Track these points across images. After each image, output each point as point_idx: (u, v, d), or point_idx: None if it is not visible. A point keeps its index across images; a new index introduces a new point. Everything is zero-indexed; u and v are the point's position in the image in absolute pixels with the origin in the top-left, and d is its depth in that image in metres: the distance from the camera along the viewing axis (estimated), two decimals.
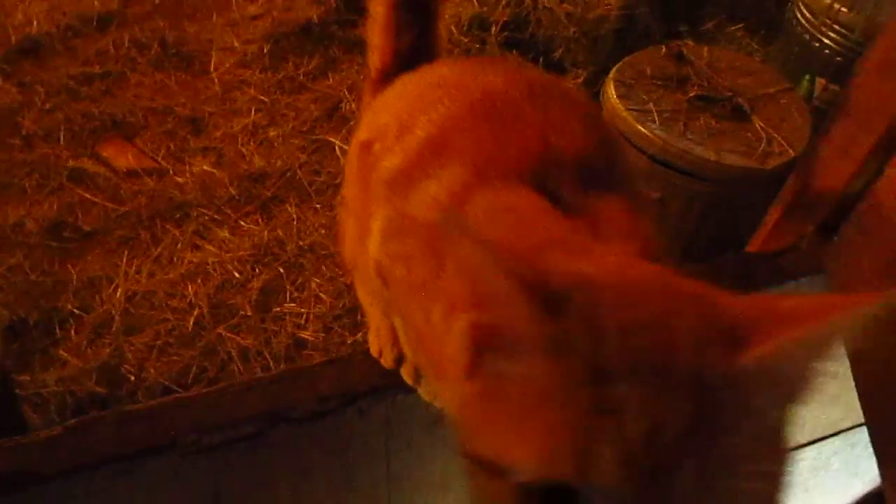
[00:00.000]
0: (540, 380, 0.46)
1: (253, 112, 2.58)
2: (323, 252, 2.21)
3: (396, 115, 0.77)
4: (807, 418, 1.25)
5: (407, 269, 0.64)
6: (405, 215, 0.66)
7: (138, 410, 0.62)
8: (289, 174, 2.41)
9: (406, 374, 0.76)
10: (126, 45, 2.76)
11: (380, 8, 0.93)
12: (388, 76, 0.93)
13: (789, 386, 0.48)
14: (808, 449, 1.28)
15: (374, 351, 0.78)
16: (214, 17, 2.90)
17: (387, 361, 0.76)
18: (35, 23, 2.81)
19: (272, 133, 2.52)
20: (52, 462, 0.60)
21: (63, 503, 0.61)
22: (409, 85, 0.85)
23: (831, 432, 1.25)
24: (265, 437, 0.65)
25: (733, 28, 2.54)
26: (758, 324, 0.46)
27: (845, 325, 0.45)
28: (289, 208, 2.32)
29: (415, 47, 0.94)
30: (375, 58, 0.95)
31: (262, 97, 2.62)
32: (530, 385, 0.47)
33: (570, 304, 0.46)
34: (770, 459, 0.48)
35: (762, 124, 1.76)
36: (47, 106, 2.56)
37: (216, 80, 2.68)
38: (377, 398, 0.68)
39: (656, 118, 1.72)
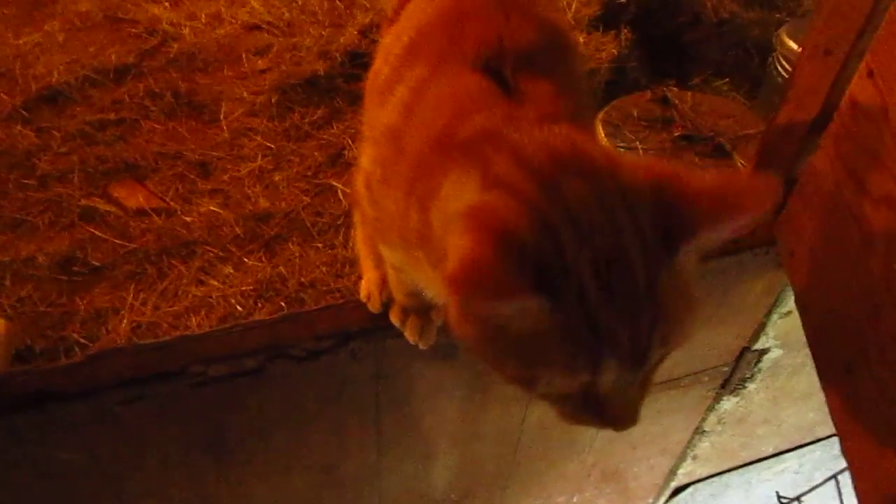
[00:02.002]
0: (548, 328, 0.57)
1: (260, 157, 2.68)
2: (324, 288, 2.27)
3: (394, 34, 0.87)
4: (781, 420, 1.29)
5: (383, 169, 0.73)
6: (380, 121, 0.75)
7: (152, 343, 0.68)
8: (292, 215, 2.49)
9: (393, 317, 0.82)
10: (141, 94, 2.88)
11: None
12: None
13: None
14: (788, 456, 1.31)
15: (363, 295, 0.85)
16: (226, 70, 3.04)
17: (374, 305, 0.82)
18: (55, 74, 2.94)
19: (277, 177, 2.62)
20: (72, 384, 0.66)
21: (81, 419, 0.66)
22: (410, 5, 0.94)
23: (811, 439, 1.29)
24: (266, 373, 0.71)
25: (719, 83, 2.66)
26: (693, 209, 0.56)
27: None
28: (291, 247, 2.39)
29: None
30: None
31: (268, 144, 2.73)
32: (538, 328, 0.57)
33: (547, 279, 0.56)
34: None
35: (743, 162, 1.85)
36: (63, 149, 2.66)
37: (225, 127, 2.79)
38: (368, 341, 0.75)
39: (642, 156, 1.81)
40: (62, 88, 2.89)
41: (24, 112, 2.79)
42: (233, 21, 3.30)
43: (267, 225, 2.46)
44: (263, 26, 3.27)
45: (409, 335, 0.83)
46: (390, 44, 0.88)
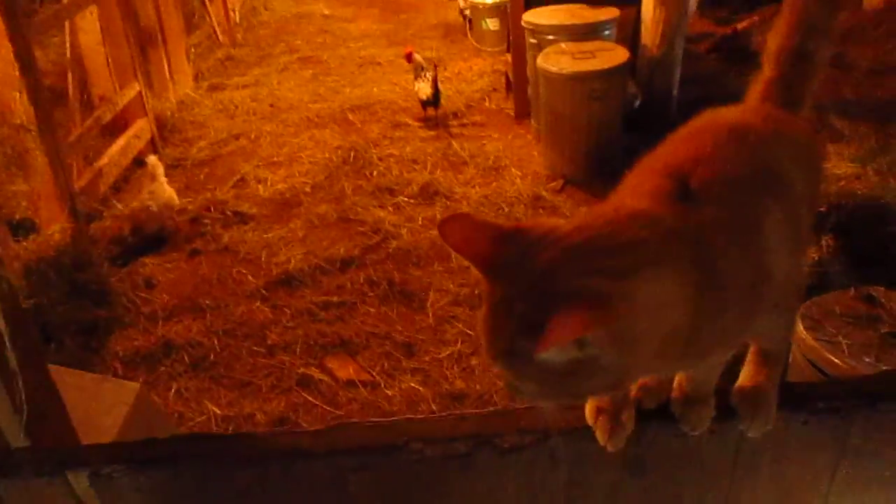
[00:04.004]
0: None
1: (459, 342, 2.88)
2: None
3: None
4: None
5: None
6: None
7: (381, 420, 0.80)
8: (486, 397, 2.61)
9: (588, 413, 0.89)
10: (361, 282, 3.24)
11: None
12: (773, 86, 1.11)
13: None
14: None
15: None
16: (435, 265, 3.35)
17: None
18: (293, 261, 3.41)
19: (474, 361, 2.78)
20: (317, 445, 0.78)
21: (318, 478, 0.77)
22: None
23: None
24: (473, 459, 0.78)
25: None
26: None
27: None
28: None
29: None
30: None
31: (468, 331, 2.93)
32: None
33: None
34: None
35: None
36: (291, 324, 3.02)
37: (431, 314, 3.04)
38: (566, 441, 0.81)
39: (846, 349, 1.78)
40: (297, 274, 3.33)
41: (263, 291, 3.23)
42: None
43: (461, 404, 2.58)
44: None
45: (599, 435, 0.90)
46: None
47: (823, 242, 2.60)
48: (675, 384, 0.93)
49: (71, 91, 3.67)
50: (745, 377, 0.96)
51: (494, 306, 0.76)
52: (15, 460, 0.82)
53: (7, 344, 0.84)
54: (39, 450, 0.89)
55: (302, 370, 2.79)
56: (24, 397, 0.85)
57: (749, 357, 0.98)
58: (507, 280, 0.76)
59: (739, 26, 5.44)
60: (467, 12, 6.61)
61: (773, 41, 1.09)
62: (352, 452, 0.78)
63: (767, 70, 1.10)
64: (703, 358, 0.84)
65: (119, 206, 3.80)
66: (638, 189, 0.86)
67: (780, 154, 0.94)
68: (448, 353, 2.84)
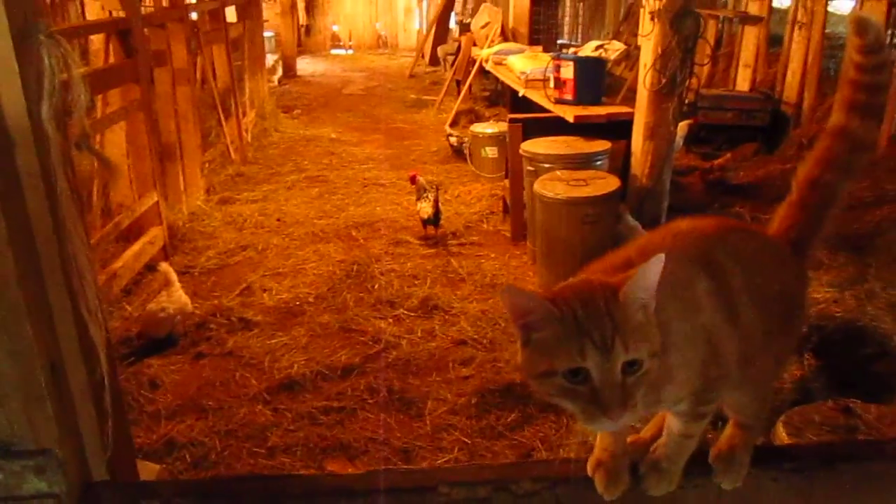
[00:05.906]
0: (555, 332, 0.94)
1: (456, 450, 2.95)
2: None
3: None
4: None
5: None
6: None
7: (414, 468, 0.91)
8: None
9: (589, 465, 1.04)
10: (361, 389, 3.34)
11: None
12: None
13: (643, 301, 0.95)
14: None
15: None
16: (434, 375, 3.46)
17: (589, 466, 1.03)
18: (295, 367, 3.51)
19: None
20: (358, 485, 0.89)
21: None
22: None
23: None
24: (492, 503, 0.89)
25: None
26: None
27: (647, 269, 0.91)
28: None
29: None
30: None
31: (465, 439, 3.01)
32: (550, 336, 0.94)
33: (559, 301, 0.94)
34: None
35: None
36: (292, 427, 3.09)
37: (429, 422, 3.13)
38: (570, 489, 0.92)
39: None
40: (299, 379, 3.43)
41: (265, 395, 3.32)
42: (444, 336, 3.81)
43: None
44: (469, 342, 3.74)
45: (598, 485, 1.04)
46: None
47: (805, 361, 2.75)
48: (652, 448, 1.09)
49: (95, 198, 3.89)
50: (722, 440, 1.11)
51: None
52: (97, 492, 0.92)
53: (107, 387, 0.95)
54: (117, 483, 0.99)
55: (301, 472, 2.83)
56: (111, 437, 0.96)
57: (729, 424, 1.13)
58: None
59: (716, 163, 5.83)
60: (453, 139, 7.06)
61: (801, 170, 1.26)
62: (388, 492, 0.89)
63: (792, 194, 1.27)
64: (659, 391, 1.02)
65: (129, 308, 3.93)
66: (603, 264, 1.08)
67: (717, 247, 1.12)
68: (444, 460, 2.90)
